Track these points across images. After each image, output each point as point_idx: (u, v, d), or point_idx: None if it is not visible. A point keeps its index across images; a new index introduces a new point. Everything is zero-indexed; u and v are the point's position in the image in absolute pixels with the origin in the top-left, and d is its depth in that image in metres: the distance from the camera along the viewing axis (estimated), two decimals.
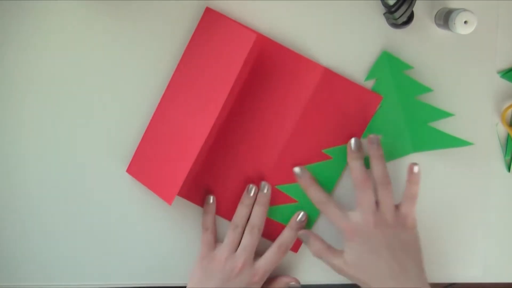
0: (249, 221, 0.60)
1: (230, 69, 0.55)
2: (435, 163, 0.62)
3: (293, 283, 0.62)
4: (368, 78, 0.61)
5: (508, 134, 0.63)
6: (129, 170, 0.61)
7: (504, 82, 0.62)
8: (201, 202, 0.62)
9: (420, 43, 0.61)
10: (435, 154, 0.62)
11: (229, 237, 0.60)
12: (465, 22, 0.55)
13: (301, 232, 0.60)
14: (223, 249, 0.59)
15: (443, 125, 0.62)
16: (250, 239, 0.59)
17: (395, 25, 0.59)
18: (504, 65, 0.62)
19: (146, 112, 0.61)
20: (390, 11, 0.57)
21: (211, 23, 0.58)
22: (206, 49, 0.58)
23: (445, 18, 0.57)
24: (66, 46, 0.60)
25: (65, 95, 0.61)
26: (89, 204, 0.62)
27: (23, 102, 0.61)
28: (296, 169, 0.60)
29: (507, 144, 0.63)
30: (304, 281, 0.64)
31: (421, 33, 0.61)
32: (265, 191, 0.61)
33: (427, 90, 0.61)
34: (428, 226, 0.63)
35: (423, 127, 0.61)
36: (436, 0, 0.60)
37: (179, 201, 0.62)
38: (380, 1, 0.59)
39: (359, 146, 0.59)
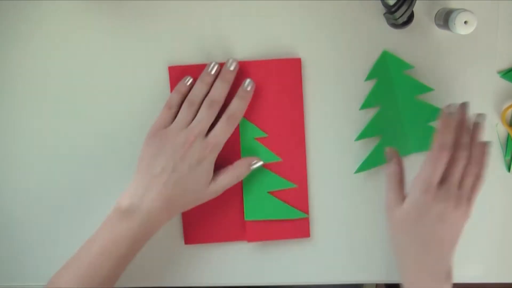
0: (208, 95, 0.57)
1: None
2: None
3: (255, 161, 0.59)
4: (368, 78, 0.61)
5: (508, 134, 0.63)
6: (188, 242, 0.62)
7: (504, 82, 0.62)
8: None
9: (420, 43, 0.61)
10: None
11: (183, 114, 0.56)
12: (465, 22, 0.55)
13: (389, 149, 0.58)
14: (176, 124, 0.56)
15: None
16: (206, 113, 0.56)
17: (395, 25, 0.59)
18: (504, 65, 0.62)
19: (148, 112, 0.61)
20: (390, 11, 0.57)
21: (180, 77, 0.59)
22: None
23: (445, 18, 0.57)
24: (67, 46, 0.60)
25: (66, 95, 0.61)
26: (89, 204, 0.62)
27: (24, 101, 0.61)
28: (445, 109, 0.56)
29: (507, 144, 0.63)
30: (305, 281, 0.64)
31: (421, 33, 0.61)
32: (232, 68, 0.58)
33: (428, 89, 0.61)
34: None
35: (423, 126, 0.61)
36: (436, 0, 0.60)
37: None
38: (380, 1, 0.59)
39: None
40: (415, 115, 0.61)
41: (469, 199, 0.55)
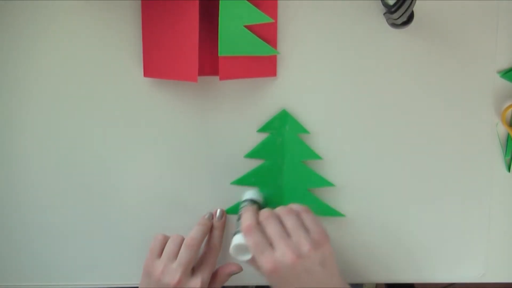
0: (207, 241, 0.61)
1: None
2: (436, 163, 0.62)
3: (235, 270, 0.61)
4: (261, 130, 0.61)
5: (508, 134, 0.63)
6: (146, 74, 0.60)
7: (504, 82, 0.62)
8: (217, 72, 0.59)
9: (420, 43, 0.61)
10: (436, 155, 0.62)
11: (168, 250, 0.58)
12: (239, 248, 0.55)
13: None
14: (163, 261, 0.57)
15: (443, 126, 0.62)
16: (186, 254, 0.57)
17: (395, 25, 0.59)
18: (504, 65, 0.62)
19: (152, 112, 0.61)
20: (390, 11, 0.57)
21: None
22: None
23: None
24: (69, 46, 0.60)
25: (68, 93, 0.61)
26: (89, 204, 0.62)
27: (25, 101, 0.61)
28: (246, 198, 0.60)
29: (507, 144, 0.63)
30: None
31: (421, 33, 0.61)
32: (222, 218, 0.62)
33: (316, 157, 0.61)
34: (428, 226, 0.63)
35: (302, 191, 0.62)
36: (436, 0, 0.60)
37: (179, 199, 0.62)
38: (380, 1, 0.59)
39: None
40: (296, 178, 0.61)
41: (317, 231, 0.54)
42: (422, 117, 0.62)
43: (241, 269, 0.61)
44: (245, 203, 0.59)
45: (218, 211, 0.62)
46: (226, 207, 0.62)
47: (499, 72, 0.62)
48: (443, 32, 0.61)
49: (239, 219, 0.57)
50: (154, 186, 0.62)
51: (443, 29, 0.61)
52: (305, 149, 0.61)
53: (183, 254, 0.57)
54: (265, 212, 0.56)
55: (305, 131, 0.61)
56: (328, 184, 0.62)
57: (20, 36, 0.60)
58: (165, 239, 0.59)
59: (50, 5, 0.59)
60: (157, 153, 0.62)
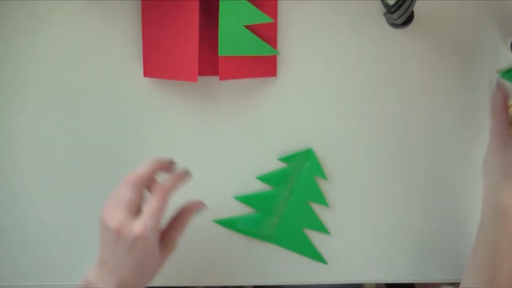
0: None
1: None
2: (436, 163, 0.62)
3: (200, 208, 0.55)
4: (281, 160, 0.61)
5: None
6: (146, 74, 0.60)
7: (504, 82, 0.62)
8: (217, 72, 0.59)
9: (420, 43, 0.61)
10: (436, 154, 0.62)
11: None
12: None
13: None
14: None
15: (443, 126, 0.62)
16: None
17: (395, 25, 0.59)
18: (504, 65, 0.62)
19: (152, 112, 0.61)
20: (390, 11, 0.57)
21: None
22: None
23: None
24: (68, 46, 0.60)
25: (68, 93, 0.61)
26: (89, 204, 0.62)
27: (25, 101, 0.61)
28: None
29: None
30: (305, 281, 0.64)
31: (421, 33, 0.61)
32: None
33: (324, 203, 0.61)
34: (428, 226, 0.63)
35: (297, 230, 0.62)
36: (436, 0, 0.60)
37: (177, 199, 0.62)
38: (380, 1, 0.59)
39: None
40: (296, 216, 0.61)
41: None
42: (422, 117, 0.62)
43: (204, 206, 0.55)
44: None
45: (186, 170, 0.54)
46: (225, 206, 0.62)
47: (499, 72, 0.62)
48: (443, 32, 0.61)
49: None
50: None
51: (443, 29, 0.61)
52: (317, 193, 0.61)
53: (120, 190, 0.50)
54: None
55: (323, 176, 0.61)
56: (325, 230, 0.62)
57: (19, 36, 0.60)
58: None
59: (49, 5, 0.59)
60: (157, 153, 0.62)
